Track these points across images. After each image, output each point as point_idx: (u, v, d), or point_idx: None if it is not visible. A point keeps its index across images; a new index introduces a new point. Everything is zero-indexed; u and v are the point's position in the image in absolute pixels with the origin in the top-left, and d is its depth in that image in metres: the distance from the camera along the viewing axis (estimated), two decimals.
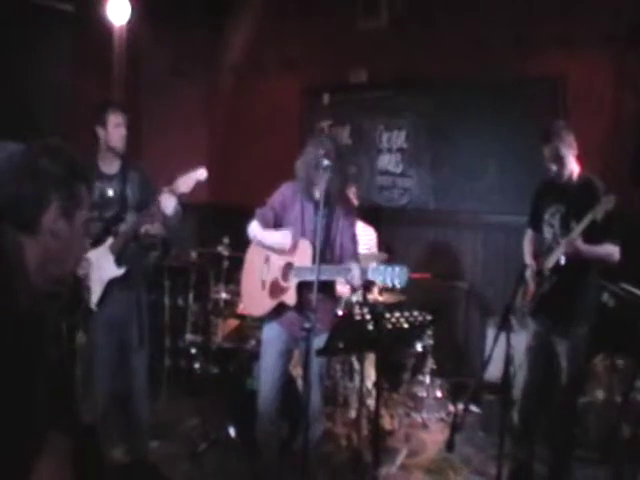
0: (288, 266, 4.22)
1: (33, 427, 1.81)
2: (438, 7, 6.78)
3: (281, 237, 4.21)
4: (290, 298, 4.15)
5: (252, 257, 4.47)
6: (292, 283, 4.15)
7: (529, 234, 4.82)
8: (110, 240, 4.32)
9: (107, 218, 4.38)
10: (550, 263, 4.42)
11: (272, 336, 4.33)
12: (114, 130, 4.46)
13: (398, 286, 3.71)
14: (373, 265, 3.79)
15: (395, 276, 3.69)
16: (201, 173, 4.21)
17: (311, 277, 3.84)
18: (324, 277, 3.88)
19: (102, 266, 4.31)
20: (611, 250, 4.30)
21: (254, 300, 4.42)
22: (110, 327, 4.40)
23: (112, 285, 4.35)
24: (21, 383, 1.74)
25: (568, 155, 4.40)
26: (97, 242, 4.31)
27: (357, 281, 3.92)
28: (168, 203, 4.16)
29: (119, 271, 4.34)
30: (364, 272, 3.82)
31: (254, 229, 4.38)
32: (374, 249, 6.07)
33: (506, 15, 6.36)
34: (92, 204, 4.23)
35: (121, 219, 4.39)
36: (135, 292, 4.54)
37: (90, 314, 4.29)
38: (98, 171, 4.45)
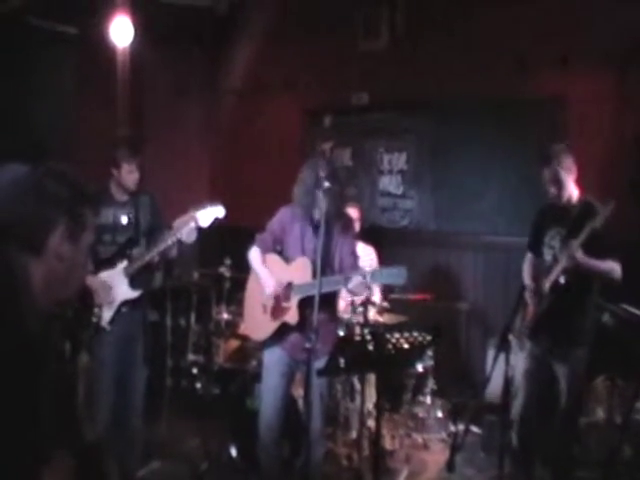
0: (288, 286, 4.23)
1: (37, 446, 1.82)
2: (438, 29, 6.82)
3: (266, 281, 4.30)
4: (292, 317, 4.17)
5: (253, 282, 4.50)
6: (293, 301, 4.17)
7: (529, 257, 4.84)
8: (124, 263, 4.42)
9: (120, 243, 4.48)
10: (549, 281, 4.42)
11: (273, 359, 4.35)
12: (127, 175, 4.58)
13: (397, 283, 3.77)
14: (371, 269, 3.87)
15: (394, 276, 3.75)
16: (220, 210, 4.39)
17: (312, 292, 3.85)
18: (325, 289, 3.90)
19: (115, 287, 4.39)
20: (613, 266, 4.31)
21: (256, 324, 4.44)
22: (117, 345, 4.48)
23: (122, 305, 4.44)
24: (25, 403, 1.75)
25: (567, 178, 4.43)
26: (111, 264, 4.41)
27: (358, 288, 3.98)
28: (191, 235, 4.36)
29: (133, 294, 4.48)
30: (363, 276, 3.87)
31: (253, 257, 4.44)
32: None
33: (506, 36, 6.39)
34: (106, 229, 4.38)
35: (135, 244, 4.50)
36: (141, 311, 4.63)
37: (100, 333, 4.36)
38: (111, 198, 4.56)
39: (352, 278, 3.93)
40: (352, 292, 4.19)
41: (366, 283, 3.97)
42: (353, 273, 3.98)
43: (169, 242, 4.38)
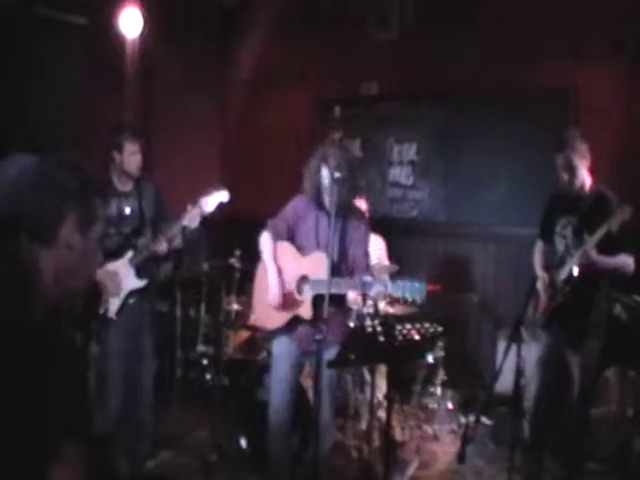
0: (303, 279, 4.19)
1: (46, 439, 1.81)
2: (448, 19, 6.79)
3: (272, 287, 4.21)
4: (306, 312, 4.12)
5: (263, 270, 4.42)
6: (307, 296, 4.12)
7: (539, 245, 4.82)
8: (130, 254, 4.43)
9: (125, 234, 4.49)
10: (563, 275, 4.40)
11: (283, 350, 4.32)
12: (130, 157, 4.56)
13: (418, 301, 3.71)
14: (392, 280, 3.82)
15: (415, 291, 3.68)
16: (224, 195, 4.40)
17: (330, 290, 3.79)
18: (342, 290, 3.88)
19: (122, 278, 4.40)
20: (626, 260, 4.29)
21: (267, 313, 4.35)
22: (126, 336, 4.49)
23: (129, 295, 4.45)
24: (33, 395, 1.74)
25: (580, 165, 4.40)
26: (117, 256, 4.41)
27: (378, 296, 3.97)
28: (194, 219, 4.41)
29: (140, 283, 4.49)
30: (384, 287, 3.82)
31: (264, 245, 4.34)
32: (384, 258, 6.05)
33: (516, 26, 6.37)
34: (110, 220, 4.38)
35: (139, 234, 4.50)
36: (149, 302, 4.64)
37: (108, 323, 4.36)
38: (114, 189, 4.55)
39: (373, 286, 3.87)
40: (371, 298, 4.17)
41: (386, 292, 3.93)
42: (374, 281, 3.90)
43: (174, 230, 4.39)
